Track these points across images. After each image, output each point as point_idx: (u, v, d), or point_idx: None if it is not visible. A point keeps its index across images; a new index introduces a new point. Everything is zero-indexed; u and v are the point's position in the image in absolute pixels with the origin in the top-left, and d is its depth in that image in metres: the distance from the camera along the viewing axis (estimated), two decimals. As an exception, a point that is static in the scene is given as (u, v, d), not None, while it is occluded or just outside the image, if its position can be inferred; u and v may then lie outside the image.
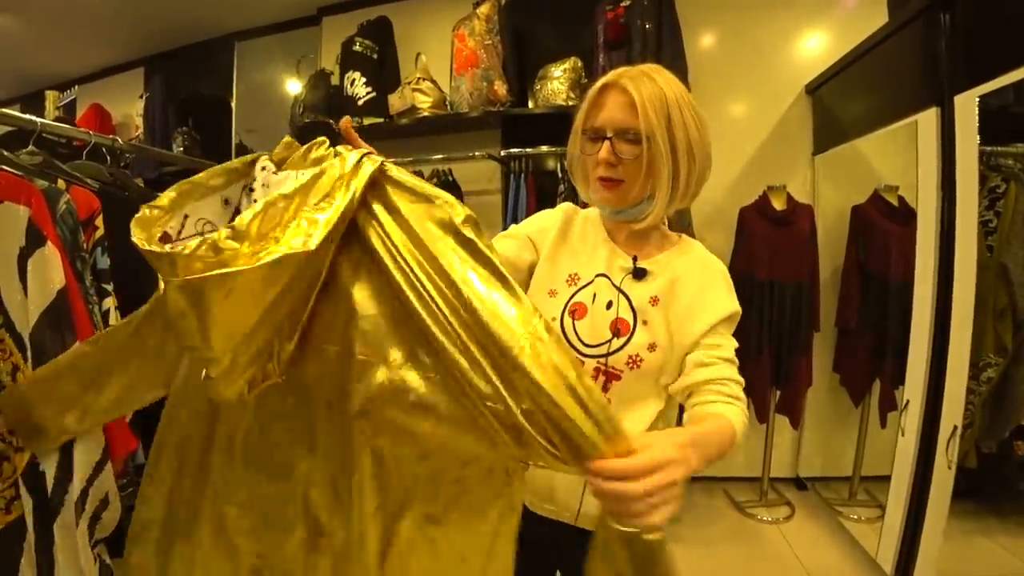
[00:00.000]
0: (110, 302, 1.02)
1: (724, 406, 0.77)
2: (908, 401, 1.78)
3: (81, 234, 1.00)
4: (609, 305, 0.86)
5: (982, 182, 1.62)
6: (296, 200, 0.56)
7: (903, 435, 1.79)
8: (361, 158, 0.61)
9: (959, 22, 1.62)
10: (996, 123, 1.62)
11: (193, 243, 0.51)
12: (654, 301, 0.85)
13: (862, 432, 2.37)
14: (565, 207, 0.98)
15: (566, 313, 0.87)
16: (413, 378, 0.57)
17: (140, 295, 1.07)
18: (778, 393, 2.47)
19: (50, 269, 0.89)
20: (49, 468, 0.86)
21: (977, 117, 1.55)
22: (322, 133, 0.68)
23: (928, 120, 1.71)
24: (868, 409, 2.34)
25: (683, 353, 0.83)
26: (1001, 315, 1.72)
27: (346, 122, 0.69)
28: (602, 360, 0.84)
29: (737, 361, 0.84)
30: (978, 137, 1.56)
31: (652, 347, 0.83)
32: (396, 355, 0.58)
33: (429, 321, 0.54)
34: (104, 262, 1.03)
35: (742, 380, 0.83)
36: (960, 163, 1.61)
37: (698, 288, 0.85)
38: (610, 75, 0.83)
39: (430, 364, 0.57)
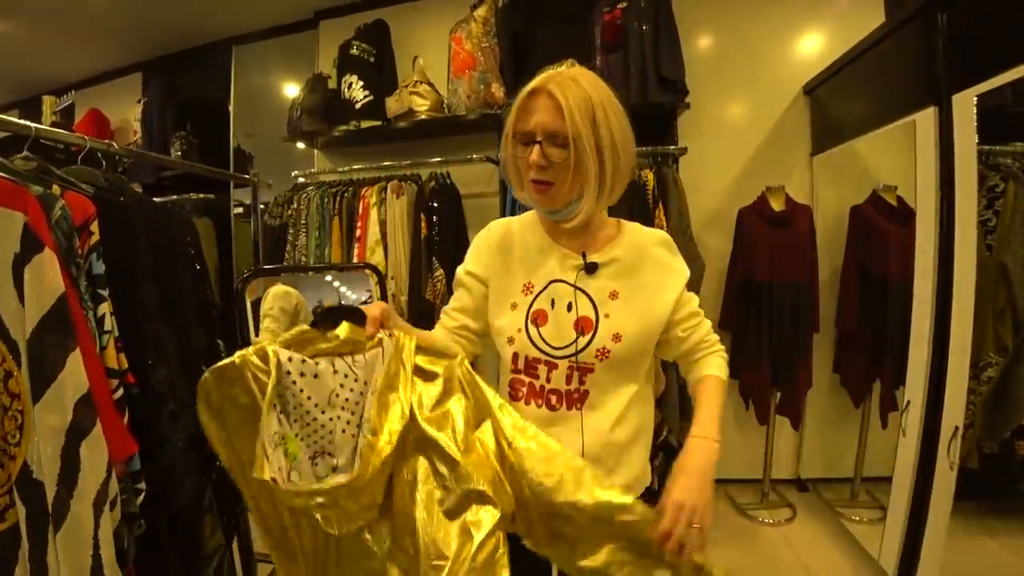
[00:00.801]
0: (105, 307, 1.01)
1: (709, 359, 0.96)
2: (909, 402, 1.77)
3: (76, 239, 0.99)
4: (570, 307, 0.91)
5: (981, 181, 1.62)
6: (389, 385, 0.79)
7: (904, 436, 1.79)
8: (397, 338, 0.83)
9: (956, 21, 1.62)
10: (994, 122, 1.61)
11: (331, 481, 0.78)
12: (613, 295, 0.91)
13: (863, 433, 2.36)
14: (492, 226, 1.01)
15: (529, 322, 0.92)
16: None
17: (133, 300, 1.07)
18: (778, 394, 2.46)
19: (49, 275, 0.88)
20: (49, 478, 0.85)
21: (975, 116, 1.55)
22: (338, 317, 0.82)
23: (926, 120, 1.70)
24: (869, 410, 2.33)
25: (656, 332, 0.93)
26: (1001, 315, 1.72)
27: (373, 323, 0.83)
28: (572, 358, 0.90)
29: (701, 311, 0.98)
30: (976, 136, 1.56)
31: (617, 338, 0.89)
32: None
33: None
34: (99, 267, 1.02)
35: (708, 322, 0.99)
36: (959, 162, 1.60)
37: (650, 270, 0.94)
38: (538, 80, 0.85)
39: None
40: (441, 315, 1.02)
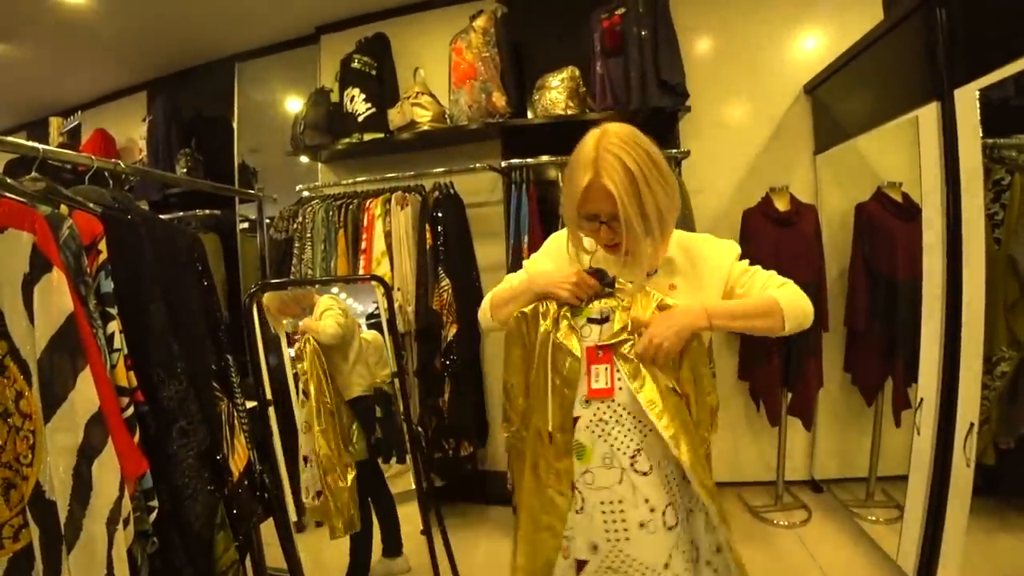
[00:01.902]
0: (114, 325, 1.02)
1: (770, 290, 1.06)
2: (922, 399, 1.75)
3: (84, 258, 1.00)
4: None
5: (986, 175, 1.61)
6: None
7: (919, 434, 1.77)
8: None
9: (955, 15, 1.62)
10: (998, 115, 1.60)
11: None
12: (672, 287, 1.09)
13: (876, 431, 2.34)
14: (559, 236, 1.23)
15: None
16: None
17: (142, 318, 1.08)
18: (789, 395, 2.44)
19: (58, 295, 0.89)
20: (61, 497, 0.85)
21: (978, 110, 1.54)
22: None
23: (929, 115, 1.70)
24: (881, 408, 2.31)
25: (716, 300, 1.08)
26: (1012, 308, 1.70)
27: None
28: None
29: (757, 267, 1.12)
30: (980, 130, 1.55)
31: None
32: None
33: None
34: (108, 286, 1.03)
35: (769, 272, 1.10)
36: (963, 157, 1.59)
37: (698, 259, 1.11)
38: (591, 168, 0.99)
39: None
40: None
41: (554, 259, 1.22)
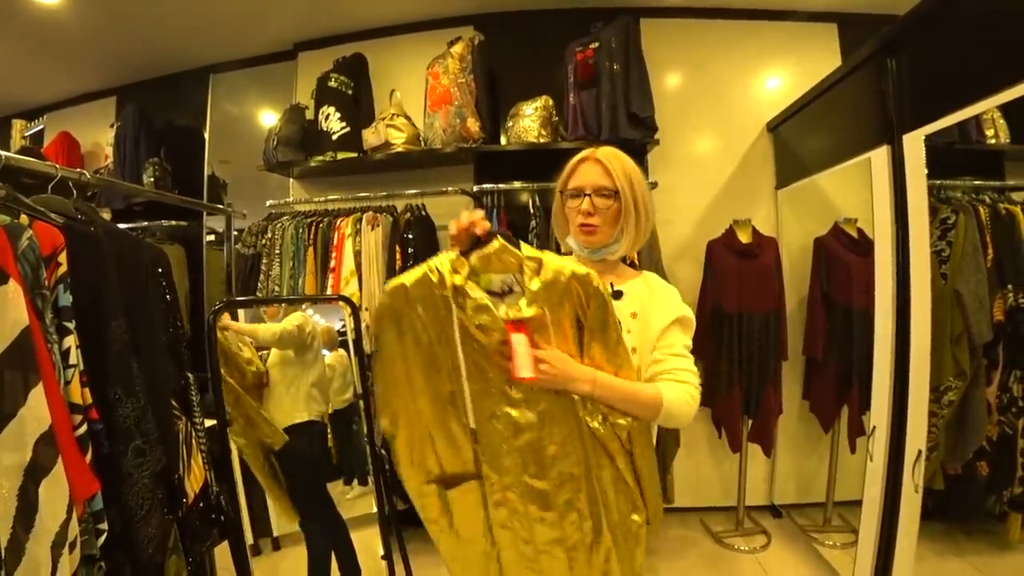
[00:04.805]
0: (71, 340, 0.99)
1: (664, 384, 1.03)
2: (875, 426, 1.82)
3: (43, 271, 0.97)
4: None
5: (933, 214, 1.71)
6: None
7: (871, 460, 1.83)
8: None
9: (904, 67, 1.73)
10: (944, 159, 1.72)
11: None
12: (634, 315, 1.09)
13: (833, 458, 2.41)
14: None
15: None
16: None
17: (102, 333, 1.05)
18: (750, 422, 2.50)
19: (12, 308, 0.86)
20: (4, 519, 0.82)
21: (924, 154, 1.64)
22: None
23: (880, 157, 1.80)
24: (838, 435, 2.38)
25: (651, 351, 1.08)
26: (958, 340, 1.79)
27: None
28: None
29: (688, 355, 1.09)
30: (926, 172, 1.65)
31: (633, 350, 1.05)
32: None
33: None
34: (66, 299, 1.00)
35: (693, 369, 1.07)
36: (911, 197, 1.69)
37: (658, 304, 1.11)
38: (586, 152, 1.13)
39: None
40: None
41: None
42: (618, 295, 1.12)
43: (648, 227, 1.14)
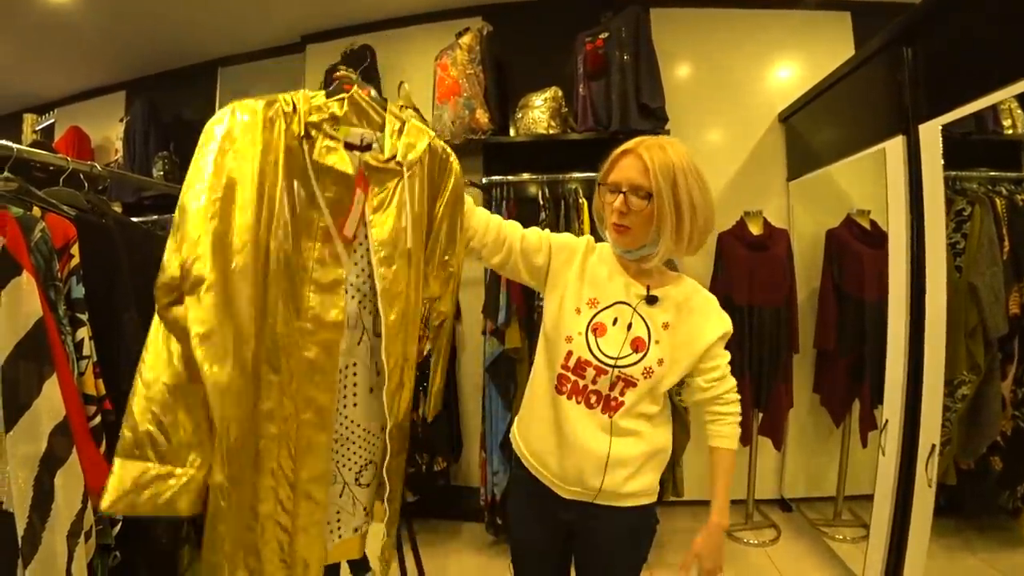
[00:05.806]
0: (84, 332, 1.00)
1: (723, 426, 1.09)
2: (887, 421, 1.80)
3: (56, 262, 0.98)
4: (629, 327, 1.05)
5: (948, 205, 1.68)
6: None
7: (883, 455, 1.81)
8: None
9: (920, 56, 1.70)
10: (960, 149, 1.68)
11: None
12: (665, 326, 1.06)
13: (844, 452, 2.39)
14: (588, 239, 1.16)
15: (589, 330, 1.06)
16: None
17: (115, 325, 1.06)
18: (760, 415, 2.48)
19: (26, 299, 0.87)
20: (20, 508, 0.82)
21: (941, 144, 1.61)
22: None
23: (895, 148, 1.77)
24: (849, 429, 2.36)
25: (686, 367, 1.07)
26: (972, 334, 1.76)
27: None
28: (622, 370, 1.03)
29: (729, 371, 1.09)
30: (942, 163, 1.63)
31: (660, 362, 1.04)
32: None
33: None
34: (79, 291, 1.01)
35: (734, 384, 1.10)
36: (927, 188, 1.66)
37: (696, 316, 1.07)
38: (631, 143, 1.03)
39: None
40: (513, 221, 1.18)
41: (569, 250, 1.15)
42: (652, 300, 1.06)
43: (699, 235, 1.03)
